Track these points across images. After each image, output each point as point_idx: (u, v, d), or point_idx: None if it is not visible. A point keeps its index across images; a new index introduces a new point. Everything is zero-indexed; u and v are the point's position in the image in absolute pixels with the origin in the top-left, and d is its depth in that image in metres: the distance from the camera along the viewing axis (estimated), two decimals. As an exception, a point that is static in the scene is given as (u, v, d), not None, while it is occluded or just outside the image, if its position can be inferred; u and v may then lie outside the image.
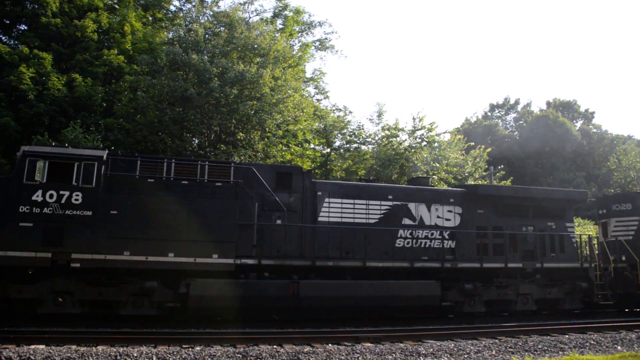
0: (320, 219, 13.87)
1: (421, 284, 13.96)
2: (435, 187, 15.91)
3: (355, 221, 14.19)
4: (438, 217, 15.06)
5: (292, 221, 13.51)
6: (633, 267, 16.80)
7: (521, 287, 15.22)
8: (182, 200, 12.46)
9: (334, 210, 14.10)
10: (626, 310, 17.31)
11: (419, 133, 26.46)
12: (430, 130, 26.49)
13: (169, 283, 12.33)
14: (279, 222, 13.36)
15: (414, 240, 14.56)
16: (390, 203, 14.69)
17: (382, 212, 14.56)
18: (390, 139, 25.94)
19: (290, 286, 12.80)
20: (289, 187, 13.72)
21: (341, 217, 14.11)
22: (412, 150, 25.23)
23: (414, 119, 26.59)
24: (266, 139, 23.14)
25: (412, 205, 14.85)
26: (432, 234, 14.81)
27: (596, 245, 17.93)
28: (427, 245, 14.67)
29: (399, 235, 14.47)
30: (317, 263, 13.20)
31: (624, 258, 17.19)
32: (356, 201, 14.36)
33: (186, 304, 12.19)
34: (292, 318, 13.15)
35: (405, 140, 26.34)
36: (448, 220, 15.14)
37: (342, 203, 14.20)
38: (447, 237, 14.93)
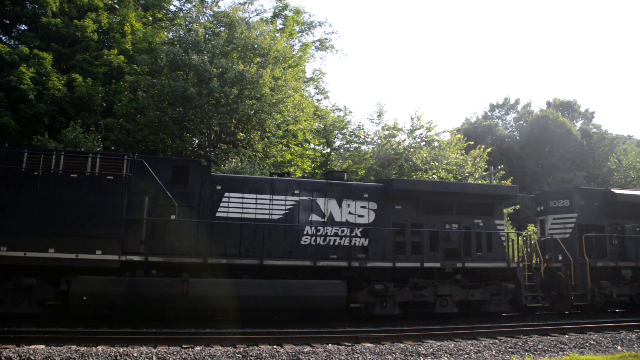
0: (218, 214, 13.14)
1: (324, 284, 13.09)
2: (348, 182, 14.91)
3: (257, 217, 13.39)
4: (350, 213, 14.20)
5: (189, 217, 12.79)
6: (568, 267, 16.11)
7: (440, 288, 14.34)
8: (68, 194, 11.93)
9: (234, 206, 13.34)
10: (566, 312, 16.51)
11: (417, 132, 26.45)
12: (429, 129, 26.50)
13: (51, 280, 11.85)
14: (174, 217, 12.64)
15: (322, 238, 13.71)
16: (296, 198, 13.84)
17: (288, 207, 13.72)
18: (389, 139, 25.94)
19: (179, 285, 12.08)
20: (185, 181, 13.03)
21: (242, 213, 13.30)
22: (412, 150, 25.22)
23: (412, 118, 26.60)
24: (266, 139, 23.15)
25: (321, 201, 14.01)
26: (342, 231, 13.91)
27: (536, 244, 17.36)
28: (336, 243, 13.79)
29: (305, 233, 13.63)
30: (209, 261, 12.48)
31: (560, 257, 16.37)
32: (259, 196, 13.56)
33: (67, 302, 11.66)
34: (184, 318, 12.57)
35: (404, 140, 26.34)
36: (361, 216, 14.27)
37: (243, 198, 13.42)
38: (359, 234, 14.04)
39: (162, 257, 12.31)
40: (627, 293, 16.78)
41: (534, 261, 16.83)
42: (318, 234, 13.74)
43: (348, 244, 13.87)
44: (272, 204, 13.64)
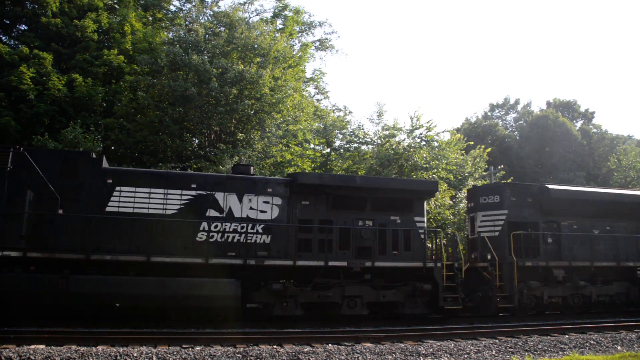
0: (109, 209, 12.61)
1: (216, 282, 12.45)
2: (251, 176, 14.22)
3: (150, 212, 12.82)
4: (251, 208, 13.50)
5: (76, 211, 12.31)
6: (499, 266, 15.27)
7: (348, 288, 13.61)
8: None
9: (125, 200, 12.78)
10: (494, 315, 15.64)
11: (417, 132, 26.45)
12: (429, 129, 26.49)
13: None
14: (61, 211, 12.18)
15: (220, 235, 13.12)
16: (193, 192, 13.24)
17: (183, 202, 13.14)
18: (389, 139, 25.94)
19: (59, 282, 11.54)
20: (73, 174, 12.54)
21: (133, 208, 12.75)
22: (411, 149, 25.20)
23: (411, 118, 26.60)
24: (266, 139, 23.16)
25: (219, 196, 13.38)
26: (242, 228, 13.26)
27: (466, 243, 16.56)
28: (235, 240, 13.14)
29: (201, 228, 13.02)
30: (92, 257, 11.94)
31: (489, 257, 15.34)
32: (152, 190, 12.96)
33: None
34: (65, 316, 12.20)
35: (404, 140, 26.34)
36: (263, 212, 13.58)
37: (135, 192, 12.86)
38: (260, 231, 13.37)
39: (41, 253, 11.76)
40: (560, 295, 16.02)
41: (461, 260, 15.75)
42: (215, 230, 13.11)
43: (248, 241, 13.21)
44: (167, 199, 13.06)
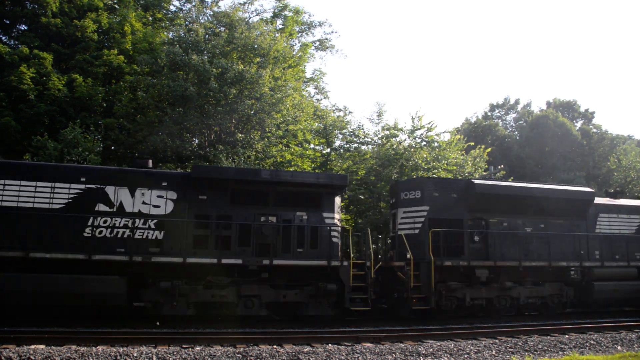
0: None
1: (98, 279, 11.97)
2: (146, 169, 13.65)
3: (35, 206, 12.40)
4: (144, 203, 13.03)
5: None
6: (417, 266, 14.50)
7: (244, 287, 13.08)
8: None
9: (9, 194, 12.38)
10: (415, 317, 14.94)
11: (418, 133, 26.46)
12: (429, 130, 26.50)
13: None
14: None
15: (109, 230, 12.64)
16: (82, 186, 12.78)
17: (72, 196, 12.68)
18: (390, 139, 25.94)
19: None
20: None
21: (17, 202, 12.35)
22: (412, 150, 25.22)
23: (412, 118, 26.61)
24: (266, 139, 23.16)
25: (110, 189, 12.92)
26: (133, 223, 12.78)
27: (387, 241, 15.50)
28: (125, 236, 12.66)
29: (89, 224, 12.56)
30: None
31: (408, 256, 14.46)
32: (38, 183, 12.55)
33: None
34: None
35: (405, 140, 26.35)
36: (157, 207, 13.10)
37: (20, 185, 12.44)
38: (153, 226, 12.91)
39: None
40: (485, 296, 15.13)
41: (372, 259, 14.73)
42: (105, 225, 12.66)
43: (139, 237, 12.76)
44: (54, 193, 12.66)
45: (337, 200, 14.64)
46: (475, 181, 16.02)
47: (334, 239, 14.02)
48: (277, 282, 13.44)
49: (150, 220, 12.96)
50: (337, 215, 14.43)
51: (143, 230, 12.87)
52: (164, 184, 13.32)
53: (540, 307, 16.18)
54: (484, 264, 15.12)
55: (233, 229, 13.36)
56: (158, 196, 13.22)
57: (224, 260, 12.86)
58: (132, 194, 13.08)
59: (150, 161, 14.40)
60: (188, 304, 12.79)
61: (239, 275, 13.19)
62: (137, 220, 12.84)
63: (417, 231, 15.19)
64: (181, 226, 13.09)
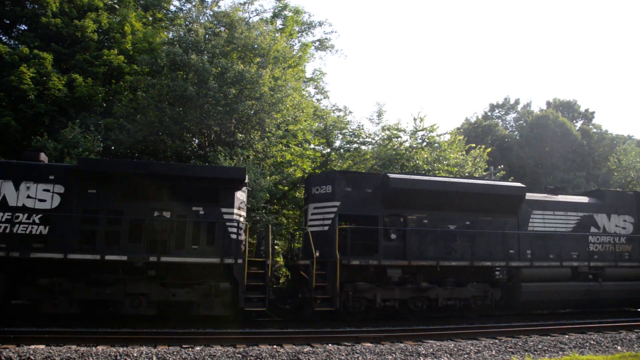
0: None
1: None
2: (31, 162, 13.15)
3: None
4: (29, 197, 12.57)
5: None
6: (323, 265, 13.79)
7: (131, 285, 12.58)
8: None
9: None
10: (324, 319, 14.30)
11: (420, 134, 26.52)
12: (431, 131, 26.55)
13: None
14: None
15: None
16: None
17: None
18: (392, 140, 26.00)
19: None
20: None
21: None
22: (413, 150, 25.26)
23: (414, 119, 26.66)
24: (266, 139, 23.15)
25: None
26: (17, 218, 12.30)
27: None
28: (7, 231, 12.20)
29: None
30: None
31: (317, 254, 13.75)
32: None
33: None
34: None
35: (406, 140, 26.40)
36: (43, 201, 12.63)
37: None
38: (37, 221, 12.46)
39: None
40: (398, 297, 14.29)
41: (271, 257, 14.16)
42: None
43: (22, 232, 12.31)
44: None
45: (239, 195, 13.98)
46: (391, 175, 15.16)
47: (233, 236, 13.36)
48: (170, 280, 12.92)
49: (35, 215, 12.52)
50: (237, 211, 13.79)
51: (26, 225, 12.39)
52: (51, 177, 12.85)
53: (461, 309, 15.15)
54: (397, 263, 14.30)
55: (123, 224, 12.82)
56: (44, 190, 12.74)
57: (107, 257, 12.38)
58: (17, 188, 12.60)
59: (42, 154, 13.84)
60: (71, 302, 12.32)
61: (127, 272, 12.68)
62: (20, 215, 12.37)
63: (326, 228, 14.36)
64: (67, 221, 12.56)
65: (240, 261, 13.04)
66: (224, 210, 13.50)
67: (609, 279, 16.37)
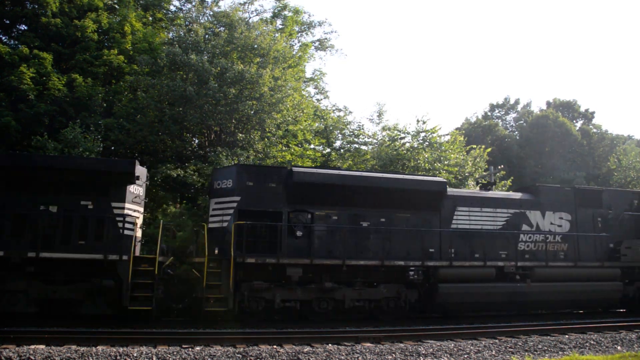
0: None
1: None
2: None
3: None
4: None
5: None
6: (219, 263, 13.11)
7: (9, 282, 12.06)
8: None
9: None
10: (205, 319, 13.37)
11: (422, 135, 26.61)
12: (432, 132, 26.63)
13: None
14: None
15: None
16: None
17: None
18: (395, 141, 26.10)
19: None
20: None
21: None
22: (415, 151, 25.33)
23: (417, 121, 26.81)
24: (266, 139, 23.17)
25: None
26: None
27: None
28: None
29: None
30: None
31: (217, 251, 13.26)
32: None
33: None
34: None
35: (408, 141, 26.50)
36: None
37: None
38: None
39: None
40: (300, 298, 13.52)
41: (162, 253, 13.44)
42: None
43: None
44: None
45: (133, 189, 13.41)
46: (295, 169, 14.42)
47: (123, 231, 12.81)
48: (55, 277, 12.40)
49: None
50: (130, 206, 13.26)
51: None
52: None
53: (372, 311, 14.31)
54: (298, 261, 13.45)
55: (5, 219, 12.28)
56: None
57: None
58: None
59: None
60: None
61: (6, 269, 12.13)
62: None
63: (225, 224, 13.61)
64: None
65: (125, 257, 12.37)
66: (114, 204, 12.96)
67: (538, 280, 15.36)
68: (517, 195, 17.04)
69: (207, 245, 13.04)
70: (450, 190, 16.11)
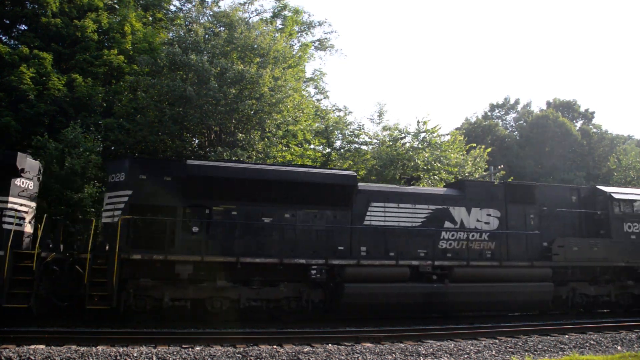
0: None
1: None
2: None
3: None
4: None
5: None
6: (106, 259, 12.38)
7: None
8: None
9: None
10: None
11: (422, 135, 26.64)
12: (433, 132, 26.65)
13: None
14: None
15: None
16: None
17: None
18: (396, 141, 26.13)
19: None
20: None
21: None
22: (415, 151, 25.35)
23: (418, 122, 26.83)
24: (266, 139, 23.17)
25: None
26: None
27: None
28: None
29: None
30: None
31: (107, 247, 12.69)
32: None
33: None
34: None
35: (408, 141, 26.54)
36: None
37: None
38: None
39: None
40: (191, 297, 13.00)
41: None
42: None
43: None
44: None
45: (19, 182, 12.85)
46: (189, 162, 13.89)
47: (6, 226, 12.27)
48: None
49: None
50: (16, 199, 12.73)
51: None
52: None
53: (271, 311, 13.73)
54: (188, 258, 12.84)
55: None
56: None
57: None
58: None
59: None
60: None
61: None
62: None
63: (116, 219, 12.92)
64: None
65: (1, 253, 11.78)
66: (3, 199, 12.33)
67: (458, 280, 14.46)
68: (441, 190, 16.36)
69: (90, 240, 12.58)
70: (364, 185, 15.42)
